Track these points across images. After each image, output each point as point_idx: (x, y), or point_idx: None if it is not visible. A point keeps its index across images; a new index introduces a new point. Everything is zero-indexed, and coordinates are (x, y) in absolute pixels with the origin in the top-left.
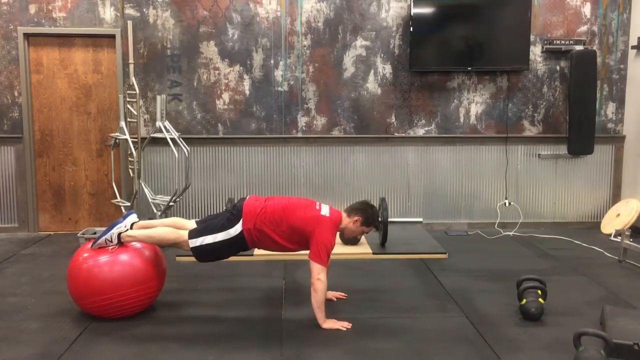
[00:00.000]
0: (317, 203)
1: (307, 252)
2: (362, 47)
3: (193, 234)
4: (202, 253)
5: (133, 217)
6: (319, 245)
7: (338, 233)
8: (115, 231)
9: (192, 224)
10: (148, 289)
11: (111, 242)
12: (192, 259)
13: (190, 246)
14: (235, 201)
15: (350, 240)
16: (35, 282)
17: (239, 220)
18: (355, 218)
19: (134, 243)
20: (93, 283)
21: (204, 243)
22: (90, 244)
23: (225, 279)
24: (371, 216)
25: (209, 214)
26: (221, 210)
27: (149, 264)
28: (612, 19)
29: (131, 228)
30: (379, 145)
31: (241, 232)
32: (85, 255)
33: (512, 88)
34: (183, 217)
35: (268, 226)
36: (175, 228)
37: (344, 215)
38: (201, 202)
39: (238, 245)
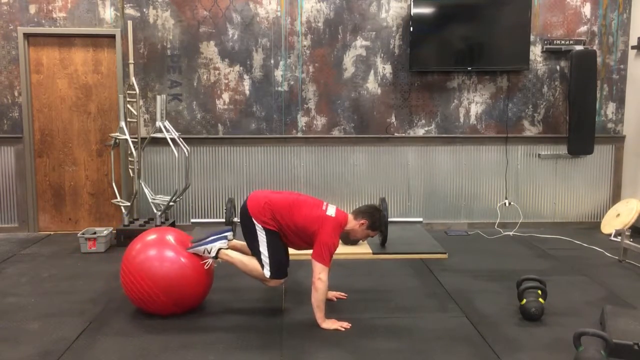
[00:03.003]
0: (325, 203)
1: (307, 251)
2: (362, 47)
3: (261, 266)
4: (276, 271)
5: (230, 234)
6: (322, 245)
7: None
8: (218, 245)
9: None
10: (174, 307)
11: (209, 253)
12: None
13: (267, 275)
14: (235, 202)
15: (351, 241)
16: (35, 282)
17: (254, 223)
18: (362, 221)
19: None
20: (146, 262)
21: (267, 265)
22: (188, 247)
23: (225, 279)
24: (378, 220)
25: (209, 214)
26: (224, 210)
27: (196, 288)
28: (612, 19)
29: None
30: (379, 145)
31: (264, 229)
32: (171, 239)
33: (512, 88)
34: (183, 217)
35: (277, 218)
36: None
37: (350, 217)
38: (201, 202)
39: (277, 237)
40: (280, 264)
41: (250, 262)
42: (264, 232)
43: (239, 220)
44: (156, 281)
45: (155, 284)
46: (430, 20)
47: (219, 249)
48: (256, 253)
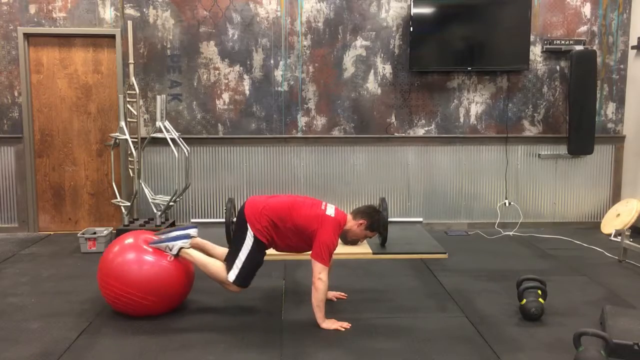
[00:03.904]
0: (323, 203)
1: (306, 252)
2: (362, 47)
3: (227, 269)
4: (242, 279)
5: (194, 231)
6: (321, 244)
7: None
8: (179, 244)
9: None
10: (159, 305)
11: (170, 251)
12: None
13: (231, 280)
14: (235, 203)
15: (350, 241)
16: (35, 282)
17: (247, 228)
18: (361, 221)
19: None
20: (123, 270)
21: (237, 270)
22: (152, 241)
23: None
24: (377, 221)
25: (209, 214)
26: (224, 210)
27: (178, 286)
28: (612, 19)
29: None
30: (379, 145)
31: (255, 237)
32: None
33: (512, 88)
34: (183, 217)
35: (276, 222)
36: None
37: (349, 217)
38: (201, 202)
39: (260, 250)
40: (249, 274)
41: (211, 263)
42: (253, 240)
43: None
44: (126, 282)
45: (125, 284)
46: (430, 20)
47: (181, 248)
48: (233, 254)
